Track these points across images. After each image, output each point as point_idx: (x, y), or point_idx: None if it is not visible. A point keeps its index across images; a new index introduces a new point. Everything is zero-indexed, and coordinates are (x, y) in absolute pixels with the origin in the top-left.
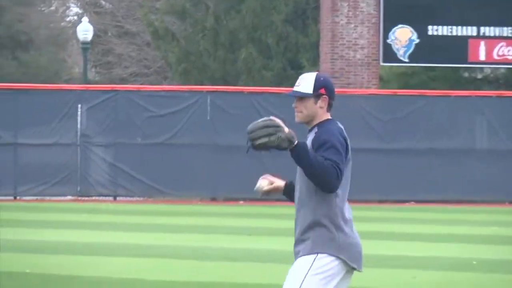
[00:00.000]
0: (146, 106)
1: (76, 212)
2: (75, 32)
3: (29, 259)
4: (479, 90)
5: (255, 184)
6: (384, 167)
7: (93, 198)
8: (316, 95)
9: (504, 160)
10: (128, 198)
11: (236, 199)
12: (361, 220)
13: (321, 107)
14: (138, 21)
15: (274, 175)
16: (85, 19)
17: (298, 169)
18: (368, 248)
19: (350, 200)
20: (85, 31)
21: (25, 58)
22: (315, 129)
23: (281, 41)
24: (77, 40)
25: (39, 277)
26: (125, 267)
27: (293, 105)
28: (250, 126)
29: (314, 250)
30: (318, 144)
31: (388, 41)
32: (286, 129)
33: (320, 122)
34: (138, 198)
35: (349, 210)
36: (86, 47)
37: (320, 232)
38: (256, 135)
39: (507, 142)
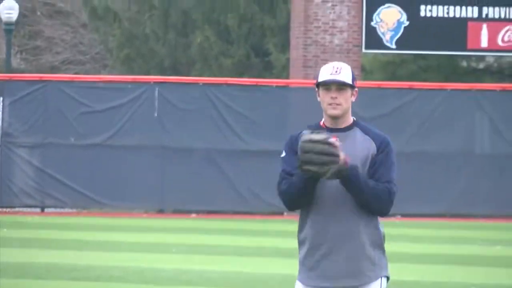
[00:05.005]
0: (80, 100)
1: None
2: None
3: None
4: (479, 82)
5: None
6: None
7: (16, 209)
8: (352, 87)
9: (508, 166)
10: (59, 210)
11: (188, 212)
12: None
13: (351, 102)
14: None
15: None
16: None
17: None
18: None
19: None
20: (8, 9)
21: None
22: (358, 132)
23: (243, 23)
24: None
25: None
26: None
27: (332, 95)
28: (307, 144)
29: (380, 274)
30: (383, 158)
31: (372, 23)
32: (342, 157)
33: (356, 121)
34: (70, 210)
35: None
36: (9, 28)
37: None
38: (308, 159)
39: None
